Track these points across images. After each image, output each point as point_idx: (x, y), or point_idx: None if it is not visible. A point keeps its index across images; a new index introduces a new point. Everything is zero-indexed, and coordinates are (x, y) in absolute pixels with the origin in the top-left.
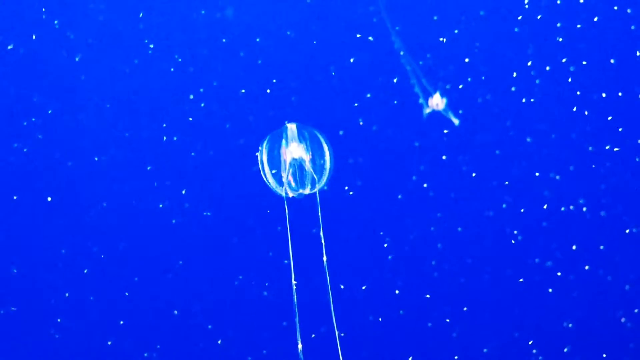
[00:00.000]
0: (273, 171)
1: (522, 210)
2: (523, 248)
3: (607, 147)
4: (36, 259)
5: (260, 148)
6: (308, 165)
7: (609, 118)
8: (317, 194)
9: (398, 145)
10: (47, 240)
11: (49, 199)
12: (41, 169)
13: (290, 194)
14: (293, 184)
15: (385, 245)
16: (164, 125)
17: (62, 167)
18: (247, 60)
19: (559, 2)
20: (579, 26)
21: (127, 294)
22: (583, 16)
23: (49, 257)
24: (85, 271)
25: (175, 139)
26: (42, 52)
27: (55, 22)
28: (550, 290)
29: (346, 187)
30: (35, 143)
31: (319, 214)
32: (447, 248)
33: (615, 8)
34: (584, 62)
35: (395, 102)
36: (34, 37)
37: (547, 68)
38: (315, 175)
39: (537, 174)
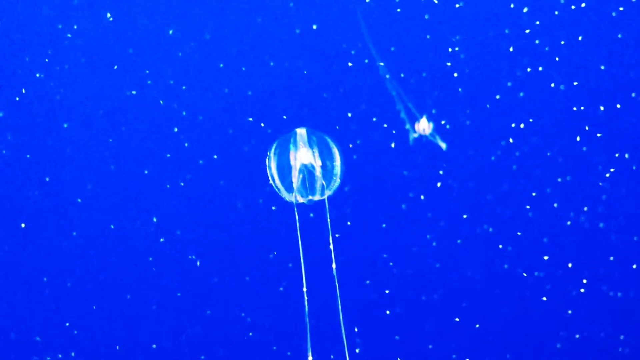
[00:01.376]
0: (279, 180)
1: (518, 233)
2: (521, 264)
3: (601, 161)
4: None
5: (268, 154)
6: (318, 171)
7: (599, 135)
8: (326, 201)
9: (390, 168)
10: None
11: (23, 225)
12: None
13: (300, 200)
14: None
15: (390, 264)
16: (175, 129)
17: (49, 195)
18: (236, 89)
19: (558, 13)
20: (562, 42)
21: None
22: (570, 33)
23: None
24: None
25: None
26: (30, 81)
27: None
28: (548, 304)
29: (349, 220)
30: (18, 169)
31: (328, 220)
32: (446, 258)
33: (604, 19)
34: (575, 83)
35: (388, 128)
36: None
37: (536, 85)
38: (324, 182)
39: (533, 194)
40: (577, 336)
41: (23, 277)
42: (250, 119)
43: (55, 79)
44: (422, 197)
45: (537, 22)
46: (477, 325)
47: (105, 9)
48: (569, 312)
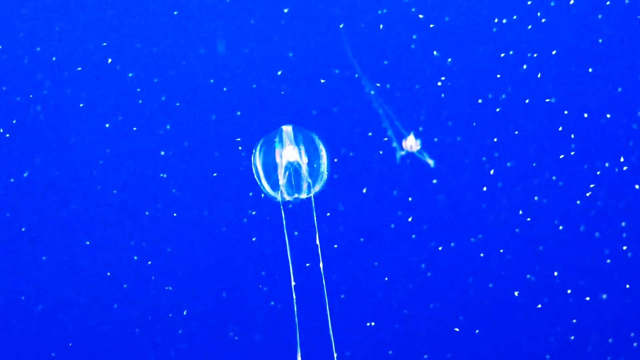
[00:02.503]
0: (265, 177)
1: (500, 250)
2: (516, 274)
3: (591, 169)
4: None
5: (254, 151)
6: (304, 169)
7: (571, 154)
8: (313, 199)
9: (378, 190)
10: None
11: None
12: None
13: (287, 199)
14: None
15: (385, 278)
16: (162, 153)
17: (28, 214)
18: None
19: (544, 21)
20: (545, 55)
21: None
22: (556, 43)
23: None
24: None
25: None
26: (16, 101)
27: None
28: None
29: (341, 238)
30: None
31: (315, 218)
32: (440, 267)
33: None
34: (550, 99)
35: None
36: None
37: (524, 98)
38: (310, 180)
39: (520, 212)
40: (572, 337)
41: None
42: (238, 139)
43: (43, 97)
44: (410, 198)
45: (528, 27)
46: (477, 331)
47: (93, 26)
48: (574, 320)
